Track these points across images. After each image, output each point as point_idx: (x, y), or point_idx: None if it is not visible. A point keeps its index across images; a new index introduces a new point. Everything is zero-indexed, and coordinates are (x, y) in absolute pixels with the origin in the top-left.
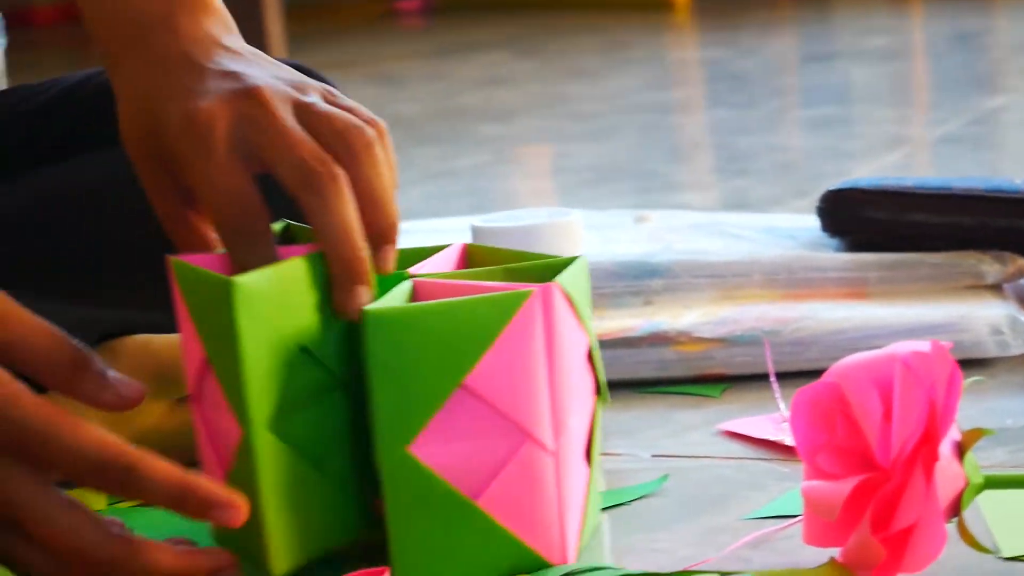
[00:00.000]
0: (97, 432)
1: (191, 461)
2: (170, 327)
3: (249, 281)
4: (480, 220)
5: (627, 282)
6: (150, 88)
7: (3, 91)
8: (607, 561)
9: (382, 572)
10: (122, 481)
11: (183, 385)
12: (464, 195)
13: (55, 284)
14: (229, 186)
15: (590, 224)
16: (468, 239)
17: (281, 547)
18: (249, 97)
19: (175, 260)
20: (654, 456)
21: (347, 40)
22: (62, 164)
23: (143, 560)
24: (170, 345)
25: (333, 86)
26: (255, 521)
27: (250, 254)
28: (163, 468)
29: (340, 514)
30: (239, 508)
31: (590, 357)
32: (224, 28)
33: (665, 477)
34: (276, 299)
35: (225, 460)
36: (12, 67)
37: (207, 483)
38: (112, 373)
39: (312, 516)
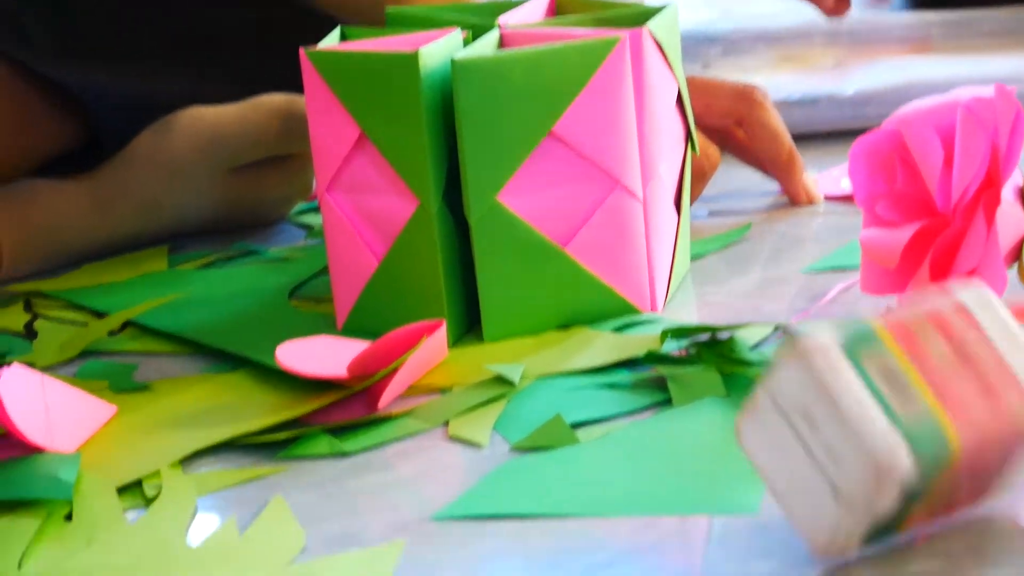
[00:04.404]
0: None
1: (240, 230)
2: (228, 99)
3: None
4: None
5: (684, 46)
6: None
7: None
8: (693, 308)
9: (439, 324)
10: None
11: (238, 156)
12: None
13: (113, 55)
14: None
15: None
16: None
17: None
18: None
19: (312, 51)
20: (711, 214)
21: None
22: None
23: None
24: (222, 115)
25: None
26: (428, 293)
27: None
28: None
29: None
30: None
31: (680, 104)
32: None
33: (749, 226)
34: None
35: (385, 240)
36: None
37: None
38: None
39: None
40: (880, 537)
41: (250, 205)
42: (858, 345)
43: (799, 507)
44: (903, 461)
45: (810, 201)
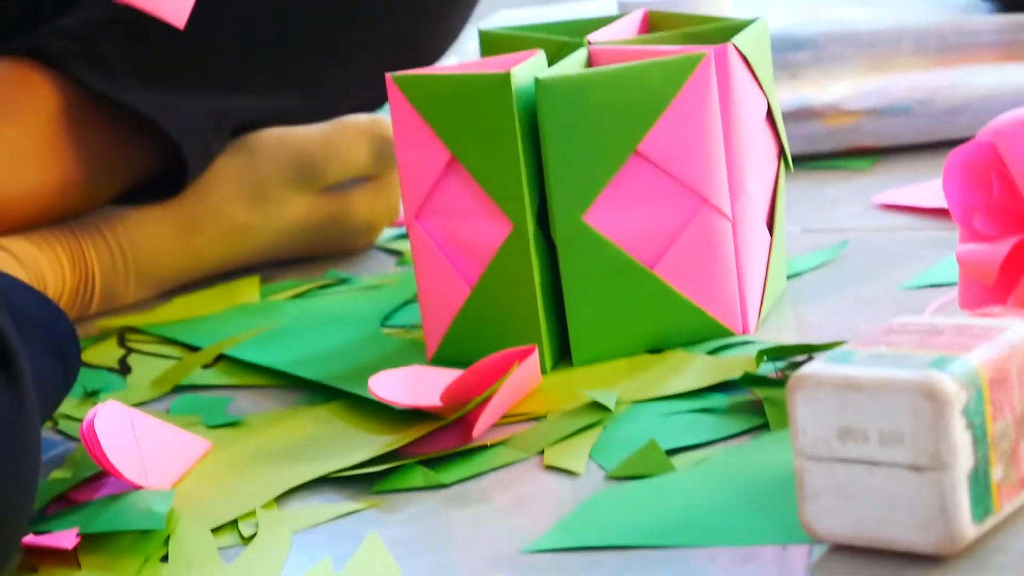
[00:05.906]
0: None
1: (331, 258)
2: (305, 114)
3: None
4: None
5: (772, 56)
6: None
7: None
8: (792, 329)
9: (531, 350)
10: None
11: (324, 176)
12: None
13: (189, 74)
14: None
15: None
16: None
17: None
18: None
19: (399, 75)
20: (804, 231)
21: None
22: None
23: None
24: (306, 136)
25: None
26: (524, 318)
27: None
28: None
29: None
30: None
31: (771, 120)
32: None
33: (846, 242)
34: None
35: (478, 266)
36: None
37: None
38: None
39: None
40: (984, 511)
41: (337, 228)
42: (836, 354)
43: (898, 526)
44: (939, 375)
45: None
